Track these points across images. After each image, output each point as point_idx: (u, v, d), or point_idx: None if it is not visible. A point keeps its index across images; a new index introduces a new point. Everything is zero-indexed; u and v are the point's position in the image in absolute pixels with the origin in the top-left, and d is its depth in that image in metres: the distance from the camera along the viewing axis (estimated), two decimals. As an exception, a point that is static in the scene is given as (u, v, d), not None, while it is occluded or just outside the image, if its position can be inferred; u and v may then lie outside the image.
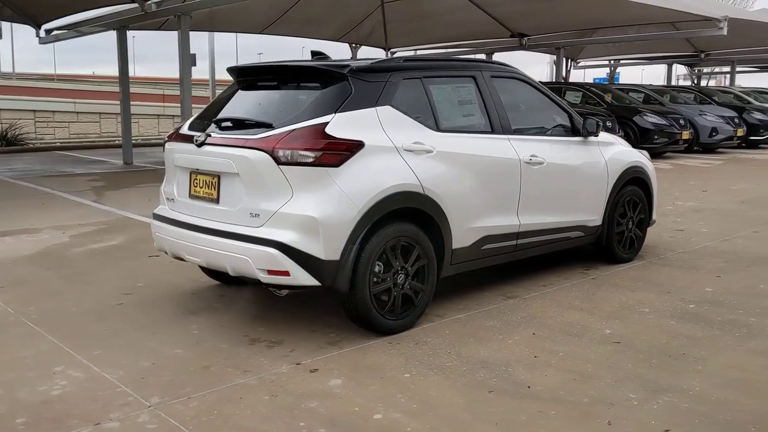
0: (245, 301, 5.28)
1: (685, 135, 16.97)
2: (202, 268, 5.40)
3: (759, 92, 22.93)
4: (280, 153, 4.16)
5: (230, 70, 5.13)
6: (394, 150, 4.47)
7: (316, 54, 5.22)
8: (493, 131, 5.18)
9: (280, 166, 4.17)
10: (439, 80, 5.01)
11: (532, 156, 5.33)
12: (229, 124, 4.68)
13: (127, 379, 3.84)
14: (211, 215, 4.53)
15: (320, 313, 4.96)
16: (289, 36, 20.68)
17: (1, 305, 5.12)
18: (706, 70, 35.53)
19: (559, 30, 19.90)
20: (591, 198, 5.97)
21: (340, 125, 4.30)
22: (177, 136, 4.97)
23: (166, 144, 5.06)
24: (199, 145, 4.58)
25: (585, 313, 5.00)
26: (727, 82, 33.81)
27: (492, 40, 21.09)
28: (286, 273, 4.15)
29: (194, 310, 5.03)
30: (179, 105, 13.88)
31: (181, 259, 4.83)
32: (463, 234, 4.86)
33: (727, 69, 31.12)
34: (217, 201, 4.51)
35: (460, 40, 22.06)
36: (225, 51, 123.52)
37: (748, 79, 40.18)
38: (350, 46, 22.94)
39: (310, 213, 4.13)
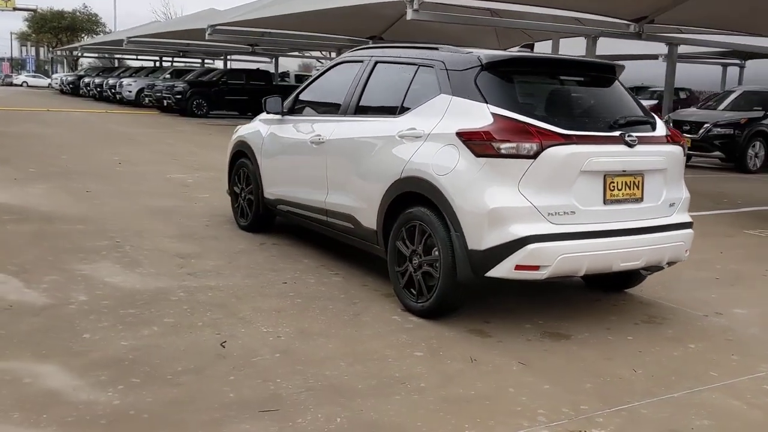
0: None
1: None
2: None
3: None
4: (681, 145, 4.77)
5: (545, 60, 4.95)
6: None
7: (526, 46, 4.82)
8: None
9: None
10: None
11: None
12: (625, 121, 4.49)
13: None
14: (633, 215, 4.41)
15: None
16: None
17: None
18: None
19: None
20: None
21: None
22: (581, 138, 4.20)
23: (555, 149, 4.10)
24: (633, 146, 4.34)
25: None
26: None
27: None
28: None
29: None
30: None
31: (595, 274, 4.56)
32: None
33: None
34: (640, 199, 4.44)
35: None
36: None
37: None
38: None
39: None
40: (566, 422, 3.18)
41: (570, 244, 4.10)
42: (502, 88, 4.35)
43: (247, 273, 5.29)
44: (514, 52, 5.25)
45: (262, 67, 31.54)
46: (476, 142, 4.14)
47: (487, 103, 4.26)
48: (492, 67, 4.40)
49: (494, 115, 4.17)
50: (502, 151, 4.07)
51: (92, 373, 3.46)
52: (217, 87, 24.65)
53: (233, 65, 34.20)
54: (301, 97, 6.08)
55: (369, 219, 4.91)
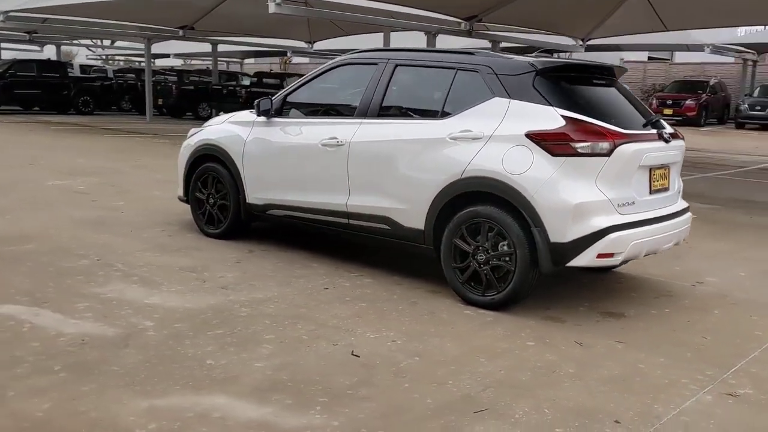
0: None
1: None
2: None
3: None
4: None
5: (580, 66, 5.23)
6: None
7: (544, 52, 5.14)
8: None
9: None
10: None
11: None
12: (655, 120, 5.10)
13: None
14: (664, 202, 5.08)
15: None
16: None
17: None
18: None
19: None
20: None
21: None
22: (636, 137, 4.75)
23: (623, 147, 4.59)
24: (669, 142, 5.02)
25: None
26: None
27: None
28: None
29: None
30: None
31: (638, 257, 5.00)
32: None
33: None
34: (668, 189, 5.14)
35: None
36: None
37: None
38: None
39: None
40: (713, 387, 3.68)
41: (636, 231, 4.64)
42: (560, 92, 4.74)
43: (277, 282, 5.18)
44: (532, 56, 5.60)
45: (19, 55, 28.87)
46: (552, 143, 4.49)
47: (552, 105, 4.61)
48: (546, 72, 4.77)
49: (564, 117, 4.54)
50: (579, 150, 4.47)
51: (271, 398, 3.33)
52: (4, 80, 22.22)
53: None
54: (291, 99, 5.97)
55: (412, 219, 5.05)
